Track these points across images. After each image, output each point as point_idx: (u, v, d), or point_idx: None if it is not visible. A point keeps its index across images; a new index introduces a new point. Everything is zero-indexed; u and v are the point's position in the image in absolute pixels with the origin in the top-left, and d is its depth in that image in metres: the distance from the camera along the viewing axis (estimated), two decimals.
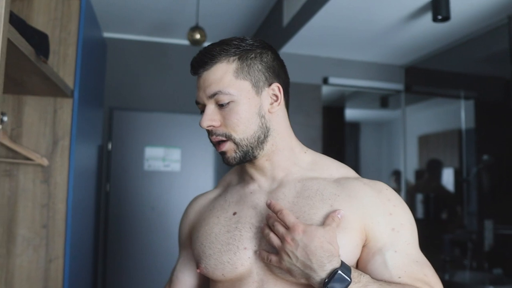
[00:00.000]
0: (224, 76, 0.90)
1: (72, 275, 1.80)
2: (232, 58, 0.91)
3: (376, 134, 4.17)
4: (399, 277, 0.84)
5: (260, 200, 0.96)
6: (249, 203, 0.97)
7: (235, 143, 0.92)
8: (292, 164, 0.97)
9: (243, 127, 0.91)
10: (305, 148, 1.02)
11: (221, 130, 0.92)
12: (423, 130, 3.60)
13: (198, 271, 0.98)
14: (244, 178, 1.03)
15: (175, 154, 3.74)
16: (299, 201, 0.91)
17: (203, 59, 0.92)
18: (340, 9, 2.35)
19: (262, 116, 0.93)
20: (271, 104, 0.94)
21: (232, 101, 0.90)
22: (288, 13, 2.89)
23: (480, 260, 2.75)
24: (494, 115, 2.97)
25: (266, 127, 0.93)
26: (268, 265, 0.88)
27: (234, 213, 0.97)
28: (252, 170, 0.99)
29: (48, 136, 1.73)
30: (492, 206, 2.93)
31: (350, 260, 0.85)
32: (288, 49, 3.06)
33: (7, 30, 0.87)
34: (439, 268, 2.60)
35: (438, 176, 3.38)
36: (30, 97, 1.70)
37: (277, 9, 3.18)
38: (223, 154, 0.94)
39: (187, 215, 1.11)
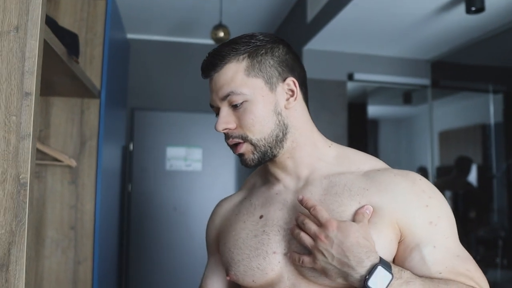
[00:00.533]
0: (235, 75, 0.87)
1: (101, 277, 1.79)
2: (241, 57, 0.88)
3: (398, 131, 4.11)
4: (440, 273, 0.79)
5: (286, 201, 0.92)
6: (275, 204, 0.93)
7: (252, 144, 0.88)
8: (316, 159, 0.92)
9: (259, 127, 0.87)
10: (329, 142, 0.96)
11: (236, 132, 0.89)
12: (443, 126, 3.53)
13: (228, 278, 0.95)
14: (268, 179, 0.99)
15: (197, 153, 3.72)
16: (326, 198, 0.87)
17: (213, 61, 0.89)
18: (370, 2, 2.30)
19: (278, 113, 0.88)
20: (287, 99, 0.90)
21: (246, 101, 0.87)
22: (313, 9, 2.84)
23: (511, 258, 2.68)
24: None
25: (284, 124, 0.89)
26: (299, 269, 0.85)
27: (261, 216, 0.93)
28: (275, 169, 0.95)
29: (75, 137, 1.72)
30: None
31: (386, 258, 0.80)
32: (312, 46, 3.02)
33: (44, 30, 0.86)
34: None
35: (466, 173, 3.31)
36: (57, 98, 1.70)
37: (300, 5, 3.14)
38: (240, 156, 0.91)
39: (212, 220, 1.07)
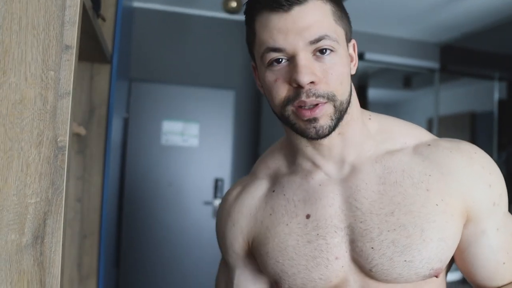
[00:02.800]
0: (325, 17, 0.69)
1: (106, 252, 1.72)
2: None
3: (391, 114, 4.09)
4: (504, 263, 0.74)
5: (334, 193, 0.77)
6: (322, 200, 0.77)
7: (334, 106, 0.70)
8: (365, 138, 0.78)
9: (346, 86, 0.71)
10: (367, 113, 0.81)
11: (322, 89, 0.68)
12: (432, 113, 3.51)
13: None
14: (300, 163, 0.81)
15: (194, 128, 3.63)
16: (386, 189, 0.74)
17: None
18: None
19: (350, 76, 0.74)
20: (351, 62, 0.77)
21: (333, 51, 0.69)
22: None
23: None
24: None
25: (350, 91, 0.74)
26: (366, 270, 0.75)
27: (308, 216, 0.77)
28: (313, 152, 0.78)
29: (84, 104, 1.62)
30: None
31: (451, 253, 0.74)
32: None
33: None
34: None
35: None
36: None
37: None
38: (314, 121, 0.70)
39: (233, 220, 0.86)
